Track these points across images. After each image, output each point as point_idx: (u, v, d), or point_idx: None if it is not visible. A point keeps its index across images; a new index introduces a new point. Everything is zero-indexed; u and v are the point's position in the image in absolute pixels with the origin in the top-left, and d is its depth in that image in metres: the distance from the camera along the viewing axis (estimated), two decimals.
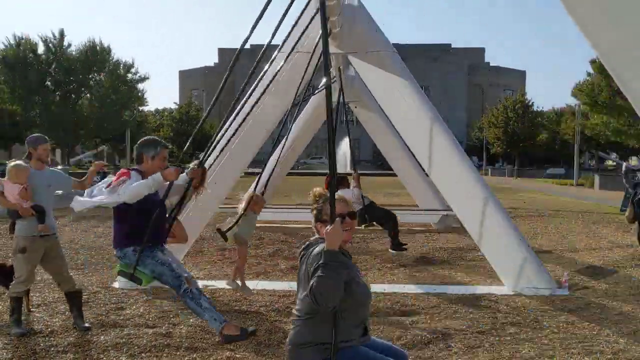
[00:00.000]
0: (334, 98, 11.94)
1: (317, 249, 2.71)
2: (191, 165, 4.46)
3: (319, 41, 6.66)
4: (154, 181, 4.05)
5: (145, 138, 4.50)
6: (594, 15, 2.07)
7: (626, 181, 8.93)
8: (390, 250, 8.97)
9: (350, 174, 10.00)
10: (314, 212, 2.95)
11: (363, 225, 9.13)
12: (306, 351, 2.73)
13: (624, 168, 9.23)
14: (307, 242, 2.89)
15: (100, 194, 4.12)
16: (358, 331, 2.81)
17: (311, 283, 2.57)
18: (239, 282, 6.06)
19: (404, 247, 8.95)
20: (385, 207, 9.57)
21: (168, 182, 4.18)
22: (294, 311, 2.84)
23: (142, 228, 4.09)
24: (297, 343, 2.77)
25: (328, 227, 2.68)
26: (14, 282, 4.94)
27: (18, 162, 4.99)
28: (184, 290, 4.12)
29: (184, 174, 4.33)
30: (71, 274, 7.18)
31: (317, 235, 2.92)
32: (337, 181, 9.15)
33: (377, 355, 2.82)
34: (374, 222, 9.15)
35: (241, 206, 6.03)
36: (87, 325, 5.03)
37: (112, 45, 58.58)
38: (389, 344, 3.10)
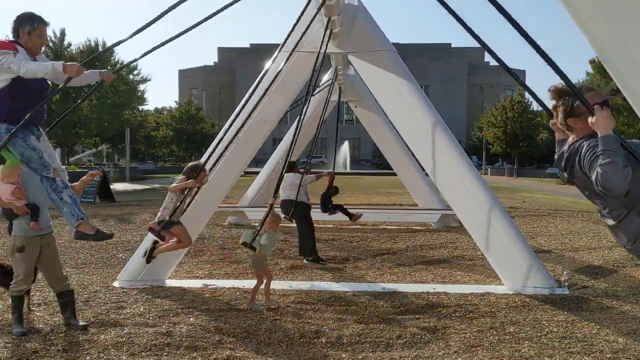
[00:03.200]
0: (334, 98, 11.99)
1: (587, 144, 2.60)
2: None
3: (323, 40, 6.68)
4: (53, 69, 4.06)
5: (23, 12, 4.42)
6: (593, 14, 2.08)
7: None
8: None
9: (347, 174, 10.10)
10: (562, 108, 2.78)
11: (283, 216, 9.00)
12: None
13: None
14: (564, 152, 2.74)
15: None
16: None
17: (595, 175, 2.46)
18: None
19: (310, 258, 8.35)
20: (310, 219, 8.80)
21: (67, 76, 4.20)
22: (608, 220, 2.72)
23: (22, 109, 4.11)
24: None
25: (592, 117, 2.56)
26: (13, 282, 4.94)
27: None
28: (46, 178, 4.16)
29: (95, 73, 4.42)
30: (71, 273, 7.23)
31: (570, 138, 2.78)
32: (289, 166, 9.43)
33: None
34: (292, 219, 8.72)
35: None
36: (84, 323, 5.04)
37: (109, 43, 58.24)
38: None
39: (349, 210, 10.22)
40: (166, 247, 5.50)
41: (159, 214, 5.43)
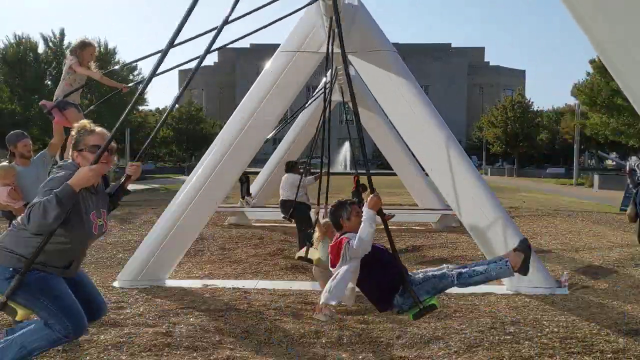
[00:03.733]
0: (334, 97, 11.99)
1: (64, 173, 2.87)
2: None
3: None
4: (369, 217, 3.89)
5: (336, 204, 4.33)
6: (593, 14, 2.08)
7: (630, 180, 8.95)
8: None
9: (347, 174, 10.16)
10: (73, 140, 3.11)
11: (282, 216, 8.88)
12: (5, 254, 2.92)
13: (627, 167, 9.23)
14: (61, 163, 3.05)
15: (343, 274, 3.91)
16: (61, 262, 2.99)
17: (33, 202, 2.73)
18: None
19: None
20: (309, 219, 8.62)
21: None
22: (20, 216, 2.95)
23: (392, 265, 3.98)
24: (2, 243, 2.97)
25: (89, 166, 2.85)
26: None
27: (3, 163, 4.97)
28: (457, 275, 3.94)
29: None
30: None
31: (71, 160, 3.08)
32: (289, 166, 9.38)
33: (65, 290, 2.98)
34: (292, 220, 8.68)
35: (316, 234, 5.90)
36: None
37: (112, 44, 58.30)
38: (95, 292, 3.30)
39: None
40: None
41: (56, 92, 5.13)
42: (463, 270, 3.98)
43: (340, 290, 3.92)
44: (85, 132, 3.12)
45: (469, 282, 3.96)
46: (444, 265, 4.16)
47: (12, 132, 5.11)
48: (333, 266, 4.06)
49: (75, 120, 4.99)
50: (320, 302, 3.94)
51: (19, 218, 2.96)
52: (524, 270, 3.91)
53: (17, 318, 2.97)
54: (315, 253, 5.95)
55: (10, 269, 2.89)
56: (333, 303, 3.89)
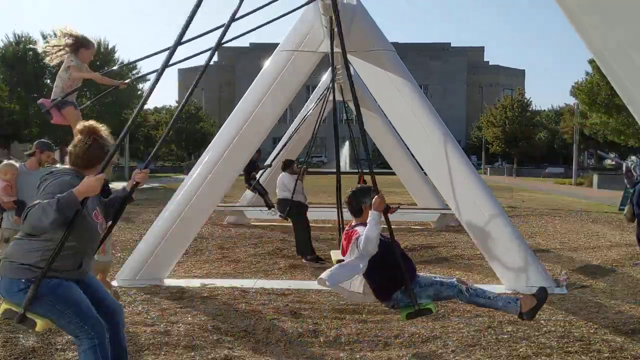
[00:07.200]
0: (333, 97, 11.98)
1: (68, 179, 2.90)
2: None
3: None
4: (374, 217, 3.89)
5: (358, 189, 4.35)
6: (590, 17, 2.08)
7: (628, 180, 8.97)
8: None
9: (347, 173, 10.17)
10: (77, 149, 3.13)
11: (279, 215, 8.98)
12: (14, 267, 2.90)
13: (624, 167, 9.25)
14: (54, 169, 3.08)
15: (349, 266, 3.94)
16: (73, 265, 2.98)
17: (32, 203, 2.72)
18: None
19: (309, 257, 8.34)
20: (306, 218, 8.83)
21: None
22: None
23: (396, 264, 3.94)
24: (9, 257, 2.93)
25: (95, 176, 2.87)
26: None
27: (8, 161, 5.21)
28: (465, 289, 4.05)
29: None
30: None
31: (68, 166, 3.11)
32: (286, 165, 9.45)
33: (80, 296, 2.96)
34: (288, 218, 8.85)
35: None
36: None
37: (110, 42, 58.17)
38: (105, 293, 3.26)
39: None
40: None
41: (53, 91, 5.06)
42: (472, 287, 4.08)
43: (339, 277, 3.93)
44: None
45: (473, 301, 4.06)
46: (454, 277, 4.22)
47: (45, 140, 5.72)
48: (343, 254, 4.09)
49: (73, 119, 5.00)
50: (320, 277, 3.96)
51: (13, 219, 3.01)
52: (529, 315, 4.01)
53: (37, 329, 2.94)
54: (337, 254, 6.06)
55: (23, 280, 2.85)
56: (327, 284, 3.89)
